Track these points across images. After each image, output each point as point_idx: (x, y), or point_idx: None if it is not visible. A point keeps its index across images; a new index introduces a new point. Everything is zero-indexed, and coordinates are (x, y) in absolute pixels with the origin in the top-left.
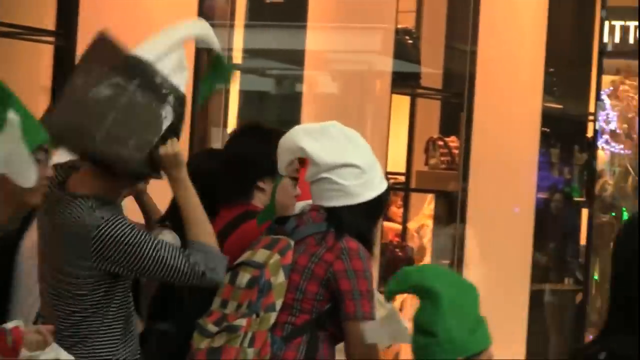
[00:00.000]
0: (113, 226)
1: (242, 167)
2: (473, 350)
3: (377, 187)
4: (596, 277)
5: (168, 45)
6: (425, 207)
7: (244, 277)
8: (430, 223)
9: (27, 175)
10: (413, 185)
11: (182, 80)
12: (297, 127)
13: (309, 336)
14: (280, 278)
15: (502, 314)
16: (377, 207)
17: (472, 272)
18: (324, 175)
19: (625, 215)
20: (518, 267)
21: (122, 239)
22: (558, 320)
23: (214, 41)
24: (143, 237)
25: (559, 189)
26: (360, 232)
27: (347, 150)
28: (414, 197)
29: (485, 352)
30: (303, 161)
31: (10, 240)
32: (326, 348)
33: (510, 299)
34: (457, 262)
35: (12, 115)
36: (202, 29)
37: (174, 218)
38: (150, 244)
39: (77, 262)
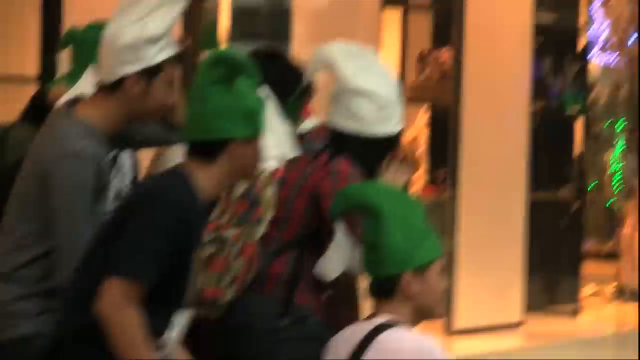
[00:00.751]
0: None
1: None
2: (420, 261)
3: (391, 126)
4: (593, 183)
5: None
6: (419, 119)
7: (239, 188)
8: (425, 133)
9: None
10: (409, 95)
11: (173, 13)
12: (338, 42)
13: (296, 252)
14: (270, 192)
15: (498, 223)
16: (384, 147)
17: (469, 180)
18: (345, 95)
19: (622, 124)
20: (513, 177)
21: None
22: (554, 229)
23: None
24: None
25: (555, 99)
26: (362, 163)
27: (375, 80)
28: (409, 109)
29: (436, 262)
30: (309, 92)
31: None
32: (313, 267)
33: (506, 208)
34: (452, 172)
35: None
36: None
37: None
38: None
39: None
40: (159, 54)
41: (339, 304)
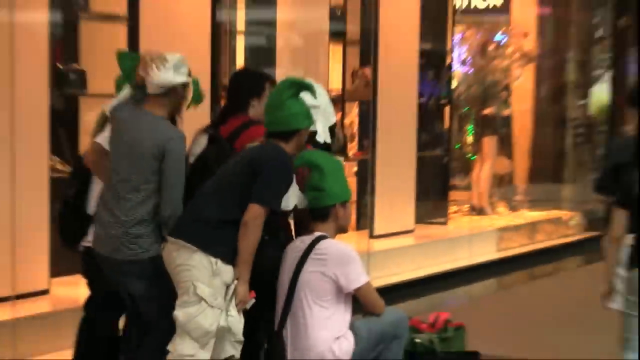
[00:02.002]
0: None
1: (245, 94)
2: (344, 198)
3: (330, 121)
4: (458, 146)
5: None
6: (353, 110)
7: None
8: (357, 120)
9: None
10: (346, 97)
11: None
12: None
13: None
14: None
15: (399, 171)
16: (329, 132)
17: (382, 146)
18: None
19: (472, 110)
20: (409, 141)
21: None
22: (432, 173)
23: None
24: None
25: (433, 95)
26: (316, 143)
27: (320, 99)
28: (347, 104)
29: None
30: None
31: None
32: None
33: (404, 161)
34: (372, 143)
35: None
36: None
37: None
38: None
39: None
40: (185, 75)
41: (297, 224)
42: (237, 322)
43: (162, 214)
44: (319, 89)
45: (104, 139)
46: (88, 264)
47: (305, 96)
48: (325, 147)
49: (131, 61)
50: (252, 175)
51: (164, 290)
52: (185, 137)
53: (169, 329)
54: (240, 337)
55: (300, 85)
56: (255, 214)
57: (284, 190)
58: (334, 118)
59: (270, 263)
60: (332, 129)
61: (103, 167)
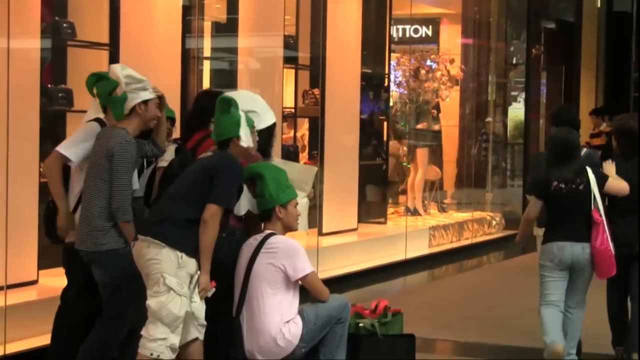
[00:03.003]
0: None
1: (207, 112)
2: (283, 200)
3: (266, 122)
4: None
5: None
6: (304, 125)
7: None
8: (307, 133)
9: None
10: (298, 114)
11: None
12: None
13: None
14: None
15: (344, 177)
16: (268, 133)
17: (329, 156)
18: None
19: (406, 126)
20: (352, 152)
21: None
22: (373, 179)
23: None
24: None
25: (374, 112)
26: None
27: (257, 105)
28: (299, 120)
29: (292, 200)
30: None
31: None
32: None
33: (348, 169)
34: (321, 153)
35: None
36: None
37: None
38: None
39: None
40: (148, 94)
41: (249, 225)
42: (200, 307)
43: (112, 206)
44: (257, 98)
45: (63, 147)
46: (65, 257)
47: (236, 110)
48: (265, 156)
49: (98, 80)
50: (208, 179)
51: (119, 279)
52: (134, 143)
53: (122, 313)
54: (203, 321)
55: (227, 101)
56: (212, 213)
57: (236, 189)
58: (272, 120)
59: (228, 259)
60: (271, 129)
61: (55, 173)
